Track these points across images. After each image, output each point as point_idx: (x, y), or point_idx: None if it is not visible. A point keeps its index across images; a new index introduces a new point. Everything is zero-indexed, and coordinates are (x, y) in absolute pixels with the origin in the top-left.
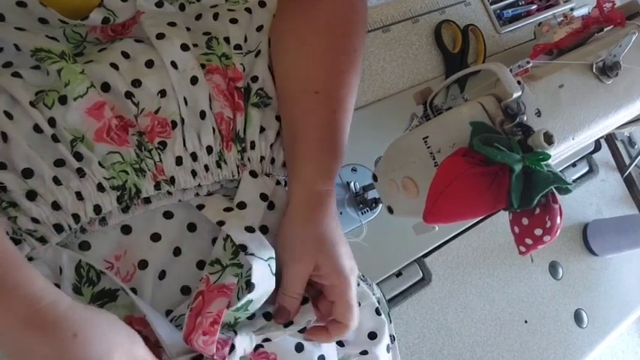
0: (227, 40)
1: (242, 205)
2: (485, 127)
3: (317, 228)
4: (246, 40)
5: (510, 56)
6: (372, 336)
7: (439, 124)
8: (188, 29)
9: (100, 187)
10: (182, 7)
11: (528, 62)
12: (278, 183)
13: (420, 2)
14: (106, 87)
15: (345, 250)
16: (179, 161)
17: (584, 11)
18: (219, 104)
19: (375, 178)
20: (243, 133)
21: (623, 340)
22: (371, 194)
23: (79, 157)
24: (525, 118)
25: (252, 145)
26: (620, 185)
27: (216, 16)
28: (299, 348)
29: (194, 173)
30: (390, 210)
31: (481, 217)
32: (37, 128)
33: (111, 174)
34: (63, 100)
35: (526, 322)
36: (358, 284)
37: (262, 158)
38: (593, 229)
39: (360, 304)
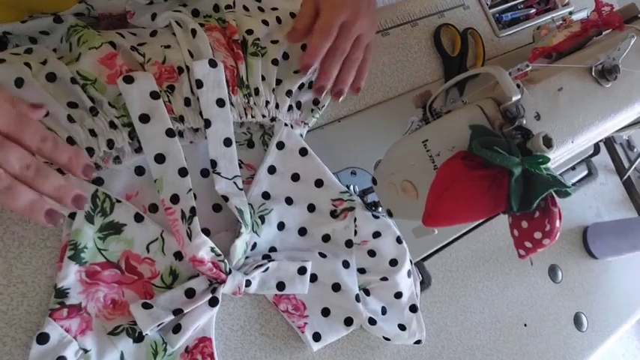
0: (216, 8)
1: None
2: (485, 131)
3: None
4: (234, 4)
5: (509, 59)
6: (393, 263)
7: (438, 127)
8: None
9: (112, 125)
10: None
11: (527, 65)
12: (285, 125)
13: (419, 6)
14: (113, 45)
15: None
16: (187, 102)
17: (582, 15)
18: (222, 54)
19: (374, 181)
20: (246, 80)
21: (623, 344)
22: (370, 197)
23: (90, 99)
24: (524, 122)
25: (257, 92)
26: (620, 188)
27: None
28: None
29: (202, 114)
30: (390, 213)
31: (480, 221)
32: (51, 76)
33: (121, 113)
34: (78, 57)
35: (526, 325)
36: (378, 217)
37: (267, 102)
38: (592, 233)
39: (380, 234)
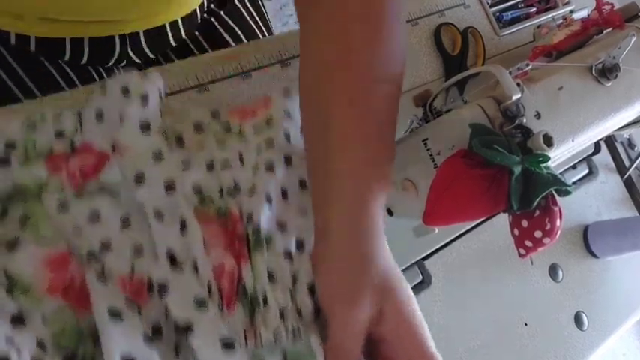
0: (220, 192)
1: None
2: (485, 130)
3: (372, 264)
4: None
5: (510, 58)
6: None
7: (439, 126)
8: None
9: (41, 345)
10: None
11: (528, 64)
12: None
13: (419, 5)
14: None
15: (408, 288)
16: (156, 331)
17: (583, 14)
18: (219, 252)
19: None
20: (251, 286)
21: (623, 343)
22: None
23: (17, 306)
24: (525, 121)
25: (265, 301)
26: (620, 187)
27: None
28: None
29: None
30: (390, 212)
31: (481, 220)
32: None
33: (59, 332)
34: (15, 243)
35: (526, 324)
36: None
37: (282, 313)
38: (593, 232)
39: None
